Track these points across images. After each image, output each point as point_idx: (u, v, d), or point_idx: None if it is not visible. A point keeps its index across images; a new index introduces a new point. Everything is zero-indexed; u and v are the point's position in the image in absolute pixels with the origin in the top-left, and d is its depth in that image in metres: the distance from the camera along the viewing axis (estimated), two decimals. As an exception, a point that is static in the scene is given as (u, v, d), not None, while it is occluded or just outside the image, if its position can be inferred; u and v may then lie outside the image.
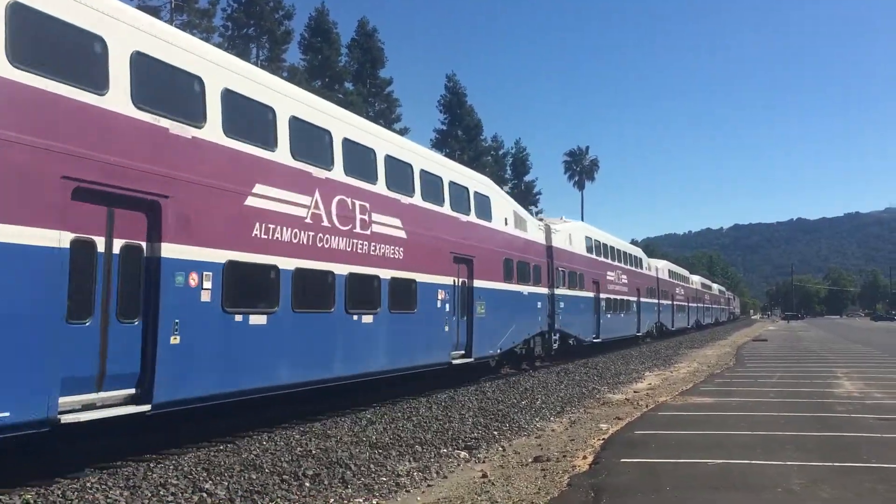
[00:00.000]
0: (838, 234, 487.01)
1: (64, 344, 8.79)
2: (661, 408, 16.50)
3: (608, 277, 36.88)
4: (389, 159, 16.30)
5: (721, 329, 78.85)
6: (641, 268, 46.46)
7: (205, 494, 8.56)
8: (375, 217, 15.40)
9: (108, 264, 9.58)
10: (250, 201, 11.94)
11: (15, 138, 8.26)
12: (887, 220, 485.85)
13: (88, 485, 8.76)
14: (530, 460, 10.98)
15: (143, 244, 10.10)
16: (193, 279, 10.75)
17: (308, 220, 13.27)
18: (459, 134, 76.22)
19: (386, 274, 15.79)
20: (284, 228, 12.68)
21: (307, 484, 9.25)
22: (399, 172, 16.77)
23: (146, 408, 9.97)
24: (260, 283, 12.20)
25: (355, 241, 14.66)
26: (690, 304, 67.42)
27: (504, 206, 23.45)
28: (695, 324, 69.68)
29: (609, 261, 37.71)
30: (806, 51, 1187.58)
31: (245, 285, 11.81)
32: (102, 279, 9.49)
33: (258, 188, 12.10)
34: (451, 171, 20.28)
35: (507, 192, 71.97)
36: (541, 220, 29.34)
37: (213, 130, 11.28)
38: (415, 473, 10.06)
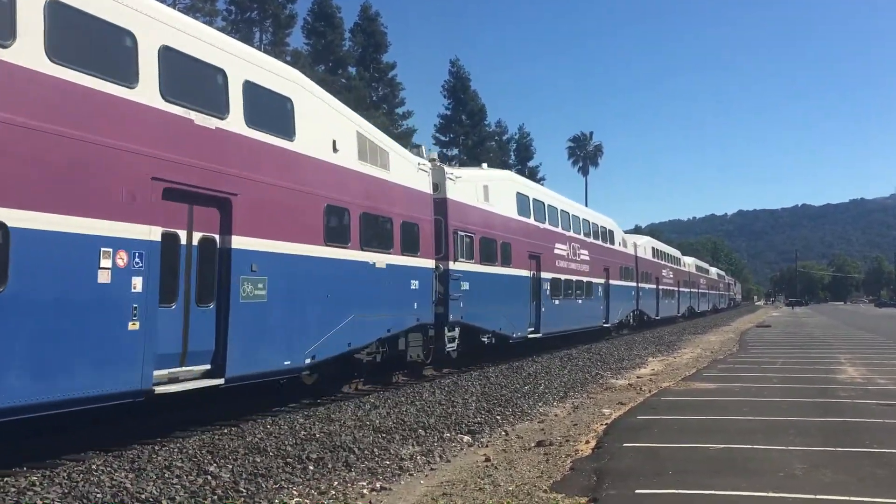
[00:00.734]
0: (843, 220, 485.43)
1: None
2: (663, 393, 16.54)
3: (557, 251, 28.44)
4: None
5: (723, 315, 78.82)
6: (612, 243, 37.98)
7: (209, 476, 8.61)
8: None
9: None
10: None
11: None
12: (892, 207, 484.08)
13: (94, 467, 8.82)
14: (533, 445, 11.03)
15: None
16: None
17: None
18: (463, 119, 76.10)
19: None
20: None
21: (311, 467, 9.30)
22: None
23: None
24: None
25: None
26: (681, 290, 59.84)
27: (332, 120, 14.77)
28: (686, 311, 62.14)
29: (558, 229, 28.79)
30: (812, 34, 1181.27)
31: None
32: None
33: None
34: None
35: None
36: (434, 160, 20.29)
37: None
38: (418, 457, 10.11)
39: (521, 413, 13.97)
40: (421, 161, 18.49)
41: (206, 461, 9.30)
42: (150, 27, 10.15)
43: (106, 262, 9.34)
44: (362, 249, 15.13)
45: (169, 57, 10.48)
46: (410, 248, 17.12)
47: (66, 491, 7.84)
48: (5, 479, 8.26)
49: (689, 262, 69.18)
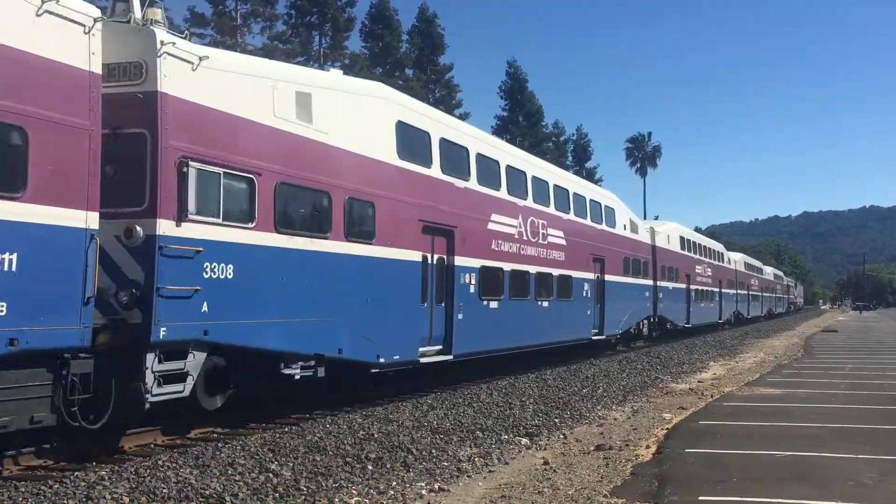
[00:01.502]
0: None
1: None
2: (726, 398, 16.22)
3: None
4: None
5: (786, 320, 76.93)
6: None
7: (271, 474, 8.73)
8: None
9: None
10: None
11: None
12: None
13: (160, 462, 9.03)
14: (592, 448, 10.92)
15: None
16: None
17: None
18: (520, 120, 75.83)
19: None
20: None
21: (370, 467, 9.36)
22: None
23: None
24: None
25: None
26: (725, 291, 53.95)
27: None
28: (731, 317, 55.57)
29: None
30: (882, 29, 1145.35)
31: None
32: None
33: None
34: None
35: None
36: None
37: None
38: (476, 459, 10.10)
39: (580, 416, 13.85)
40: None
41: (267, 459, 9.44)
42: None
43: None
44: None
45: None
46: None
47: (133, 486, 8.04)
48: (76, 473, 8.51)
49: (737, 259, 59.21)
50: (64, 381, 8.55)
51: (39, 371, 8.44)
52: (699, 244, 45.36)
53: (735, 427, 12.37)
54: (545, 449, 11.03)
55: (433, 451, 10.35)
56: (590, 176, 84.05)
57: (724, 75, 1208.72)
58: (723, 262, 52.04)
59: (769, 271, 79.48)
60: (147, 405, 9.53)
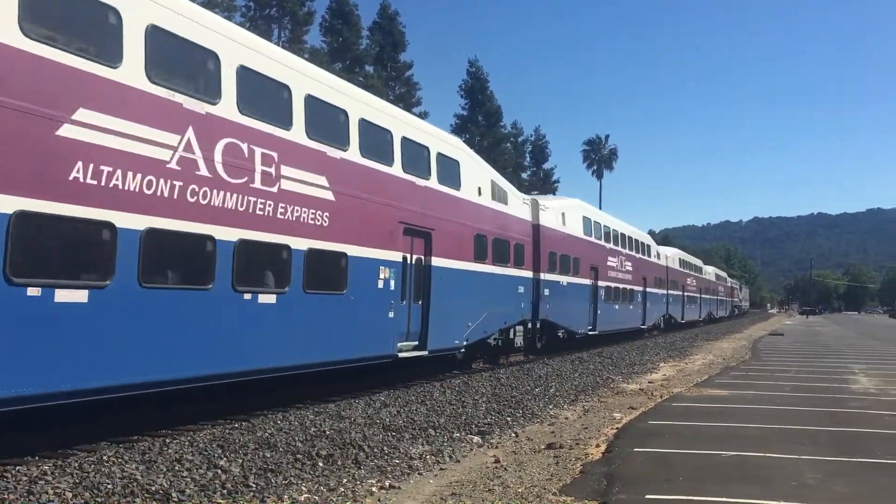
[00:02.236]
0: (859, 229, 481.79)
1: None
2: (675, 399, 16.46)
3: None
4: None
5: (735, 323, 78.36)
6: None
7: (219, 471, 8.62)
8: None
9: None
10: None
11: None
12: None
13: (105, 458, 8.86)
14: (543, 447, 10.99)
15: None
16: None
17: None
18: (480, 119, 75.96)
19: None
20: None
21: (321, 464, 9.30)
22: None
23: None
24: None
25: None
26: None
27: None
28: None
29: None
30: (830, 42, 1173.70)
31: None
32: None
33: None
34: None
35: (526, 180, 71.48)
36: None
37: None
38: (427, 457, 10.10)
39: (532, 415, 13.93)
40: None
41: (216, 455, 9.32)
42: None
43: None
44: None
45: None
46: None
47: (77, 481, 7.88)
48: (17, 467, 8.31)
49: (670, 254, 53.05)
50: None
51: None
52: (614, 231, 35.88)
53: (683, 427, 12.55)
54: (497, 447, 11.07)
55: (385, 448, 10.33)
56: (547, 177, 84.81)
57: (679, 81, 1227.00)
58: (649, 255, 43.58)
59: (710, 271, 74.59)
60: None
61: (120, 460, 8.80)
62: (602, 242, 33.32)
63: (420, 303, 17.10)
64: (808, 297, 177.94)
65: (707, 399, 16.39)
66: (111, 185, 9.28)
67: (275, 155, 12.20)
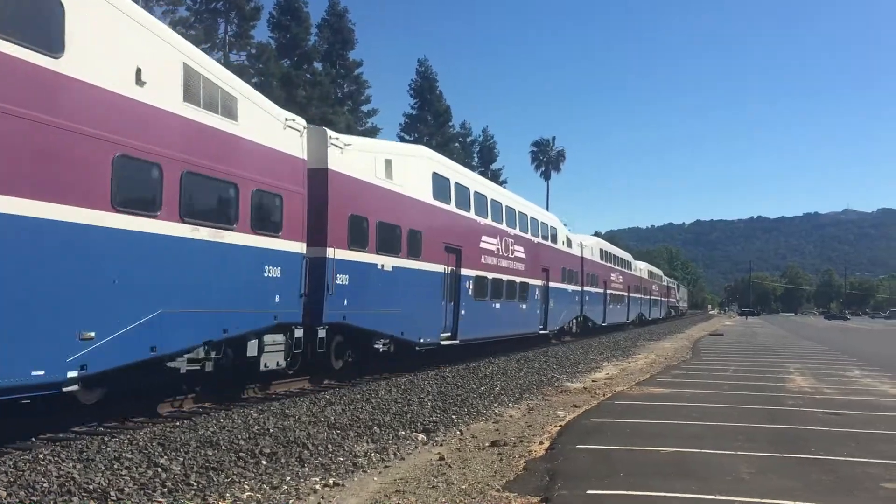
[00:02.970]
0: (797, 233, 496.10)
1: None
2: (617, 397, 16.73)
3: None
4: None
5: (677, 323, 79.86)
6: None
7: (160, 469, 8.50)
8: None
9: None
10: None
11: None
12: (844, 222, 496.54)
13: (41, 456, 8.65)
14: (487, 444, 11.07)
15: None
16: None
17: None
18: (429, 119, 76.15)
19: None
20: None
21: (264, 462, 9.23)
22: None
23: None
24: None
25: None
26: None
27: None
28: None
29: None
30: (763, 49, 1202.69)
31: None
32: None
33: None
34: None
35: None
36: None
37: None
38: (372, 454, 10.09)
39: (477, 413, 14.02)
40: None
41: (156, 453, 9.18)
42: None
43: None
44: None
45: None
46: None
47: (11, 480, 7.68)
48: (-52, 466, 8.07)
49: (589, 244, 44.52)
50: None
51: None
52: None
53: (625, 424, 12.77)
54: (441, 445, 11.11)
55: (329, 446, 10.29)
56: (495, 177, 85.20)
57: (623, 85, 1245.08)
58: (555, 242, 34.74)
59: (642, 267, 66.96)
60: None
61: (56, 458, 8.60)
62: (472, 216, 24.55)
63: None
64: (748, 299, 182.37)
65: (648, 397, 16.70)
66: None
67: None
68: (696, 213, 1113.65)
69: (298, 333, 14.99)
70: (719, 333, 54.24)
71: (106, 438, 9.85)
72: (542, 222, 33.04)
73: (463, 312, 23.02)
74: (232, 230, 12.79)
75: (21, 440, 9.66)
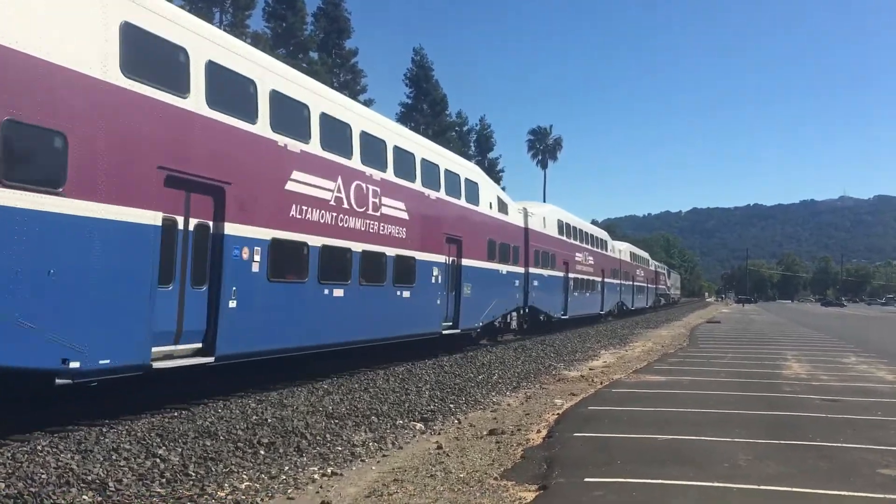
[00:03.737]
0: (793, 220, 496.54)
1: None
2: (615, 385, 16.77)
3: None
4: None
5: (673, 311, 79.91)
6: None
7: (158, 460, 8.51)
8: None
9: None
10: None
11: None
12: (841, 209, 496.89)
13: (39, 447, 8.66)
14: (485, 433, 11.10)
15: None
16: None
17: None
18: (425, 108, 75.90)
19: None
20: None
21: (262, 452, 9.25)
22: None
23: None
24: None
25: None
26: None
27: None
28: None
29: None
30: (763, 39, 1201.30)
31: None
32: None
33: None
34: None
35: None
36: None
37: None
38: (370, 444, 10.12)
39: (475, 402, 14.05)
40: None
41: (155, 444, 9.19)
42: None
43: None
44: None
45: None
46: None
47: (10, 471, 7.68)
48: (-54, 458, 8.06)
49: (544, 214, 34.53)
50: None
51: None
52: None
53: (622, 412, 12.81)
54: (439, 434, 11.14)
55: (327, 435, 10.31)
56: (492, 166, 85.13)
57: (619, 74, 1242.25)
58: (473, 203, 24.15)
59: (622, 248, 56.24)
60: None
61: (55, 450, 8.61)
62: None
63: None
64: (745, 287, 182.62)
65: (645, 385, 16.74)
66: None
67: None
68: (693, 201, 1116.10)
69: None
70: (716, 321, 54.35)
71: (104, 430, 9.85)
72: (448, 170, 22.47)
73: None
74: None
75: (19, 433, 9.65)
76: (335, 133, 16.15)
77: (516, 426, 11.67)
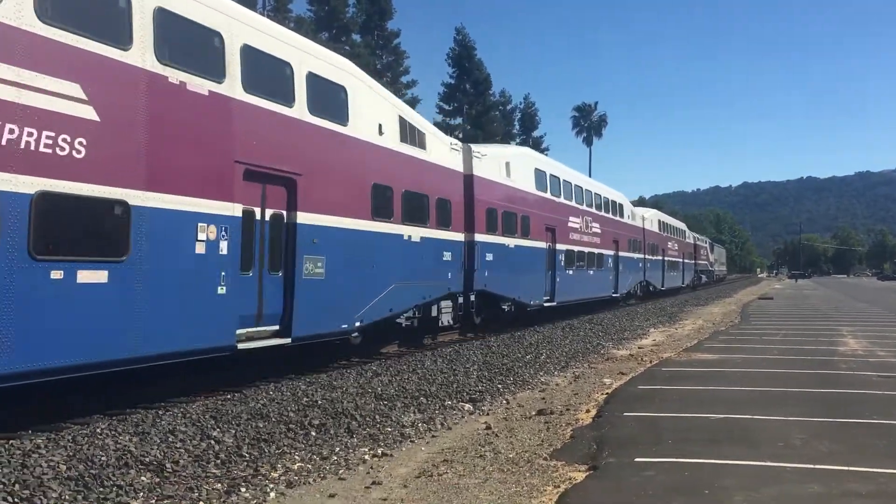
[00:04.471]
0: (848, 193, 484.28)
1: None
2: (665, 363, 16.61)
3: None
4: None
5: (725, 288, 78.73)
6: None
7: (213, 441, 8.69)
8: None
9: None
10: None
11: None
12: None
13: (98, 430, 8.91)
14: (534, 413, 11.10)
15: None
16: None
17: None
18: (468, 88, 75.47)
19: None
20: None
21: (313, 433, 9.38)
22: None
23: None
24: None
25: None
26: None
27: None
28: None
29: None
30: (818, 9, 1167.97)
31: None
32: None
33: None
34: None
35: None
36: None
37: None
38: (419, 424, 10.19)
39: (523, 382, 14.05)
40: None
41: (209, 426, 9.39)
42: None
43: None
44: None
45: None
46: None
47: (70, 454, 7.92)
48: (11, 441, 8.35)
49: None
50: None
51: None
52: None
53: (672, 391, 12.68)
54: (488, 414, 11.17)
55: (377, 417, 10.42)
56: (537, 145, 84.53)
57: (667, 49, 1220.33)
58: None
59: (648, 216, 47.41)
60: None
61: (113, 432, 8.85)
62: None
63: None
64: (798, 262, 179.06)
65: (696, 363, 16.55)
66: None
67: None
68: (744, 174, 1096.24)
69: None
70: (769, 297, 53.38)
71: (160, 412, 10.10)
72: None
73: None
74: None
75: (80, 416, 9.94)
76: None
77: (565, 406, 11.64)
